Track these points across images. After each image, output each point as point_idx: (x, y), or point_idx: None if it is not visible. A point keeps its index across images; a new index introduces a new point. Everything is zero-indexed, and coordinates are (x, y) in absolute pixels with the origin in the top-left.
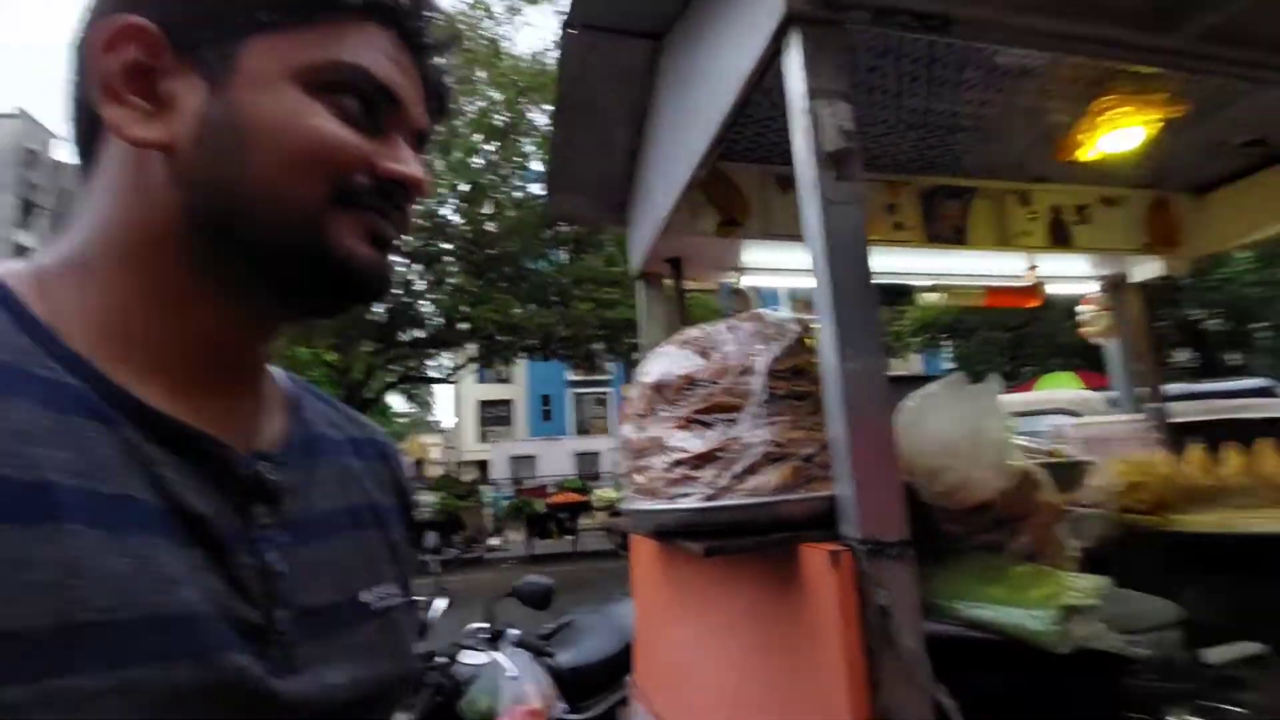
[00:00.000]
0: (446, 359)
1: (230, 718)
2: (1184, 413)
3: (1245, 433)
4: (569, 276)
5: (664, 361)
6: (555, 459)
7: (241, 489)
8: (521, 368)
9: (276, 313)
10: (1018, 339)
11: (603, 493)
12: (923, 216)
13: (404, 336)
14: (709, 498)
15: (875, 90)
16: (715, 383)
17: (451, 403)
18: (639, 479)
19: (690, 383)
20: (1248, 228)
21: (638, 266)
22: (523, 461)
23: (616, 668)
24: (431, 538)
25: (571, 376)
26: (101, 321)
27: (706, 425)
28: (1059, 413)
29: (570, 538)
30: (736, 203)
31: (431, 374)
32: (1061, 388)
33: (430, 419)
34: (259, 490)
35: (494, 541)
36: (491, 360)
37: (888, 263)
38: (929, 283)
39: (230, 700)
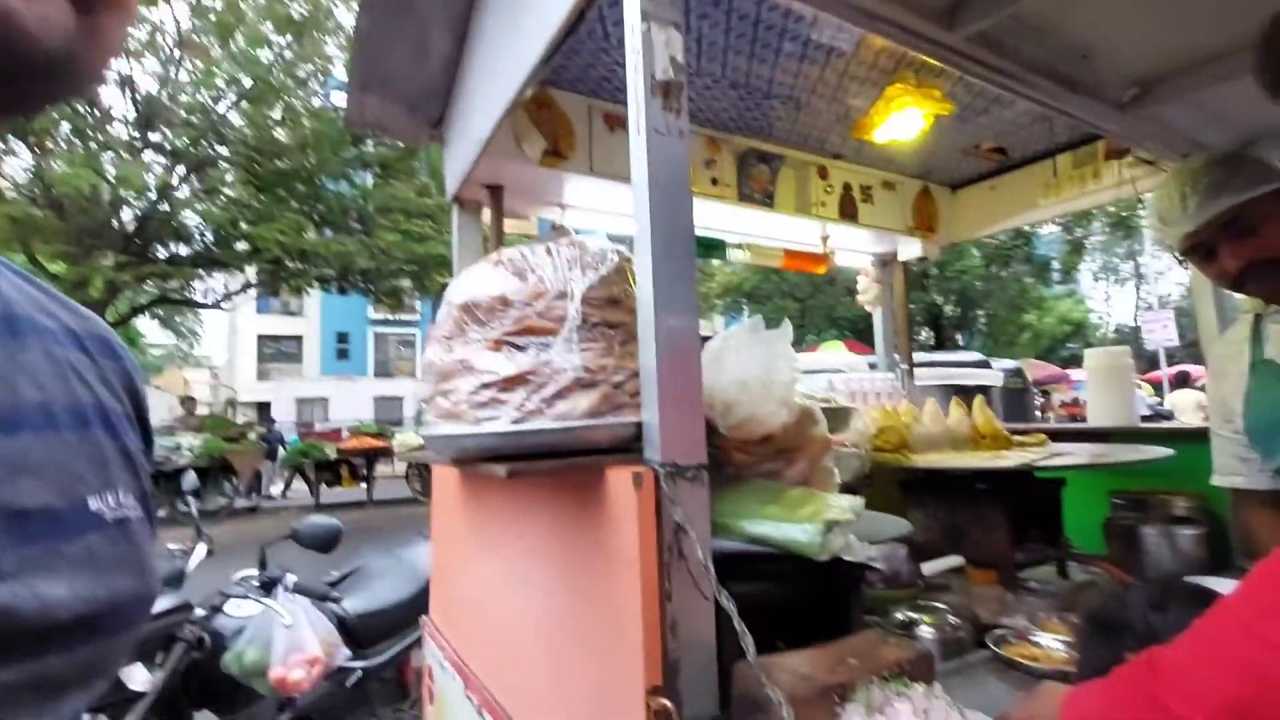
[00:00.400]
0: (219, 283)
1: None
2: (925, 377)
3: (966, 395)
4: (374, 203)
5: (476, 281)
6: (351, 402)
7: None
8: (314, 301)
9: None
10: (803, 309)
11: (405, 438)
12: (737, 175)
13: (161, 252)
14: (516, 421)
15: (705, 41)
16: (530, 305)
17: (225, 335)
18: (443, 403)
19: (504, 303)
20: (988, 222)
21: (454, 190)
22: (313, 404)
23: (411, 612)
24: (190, 479)
25: (374, 314)
26: None
27: (518, 348)
28: (833, 372)
29: (364, 485)
30: (563, 133)
31: (198, 299)
32: (834, 352)
33: (196, 353)
34: None
35: (274, 490)
36: (277, 289)
37: (702, 216)
38: (738, 240)
39: None
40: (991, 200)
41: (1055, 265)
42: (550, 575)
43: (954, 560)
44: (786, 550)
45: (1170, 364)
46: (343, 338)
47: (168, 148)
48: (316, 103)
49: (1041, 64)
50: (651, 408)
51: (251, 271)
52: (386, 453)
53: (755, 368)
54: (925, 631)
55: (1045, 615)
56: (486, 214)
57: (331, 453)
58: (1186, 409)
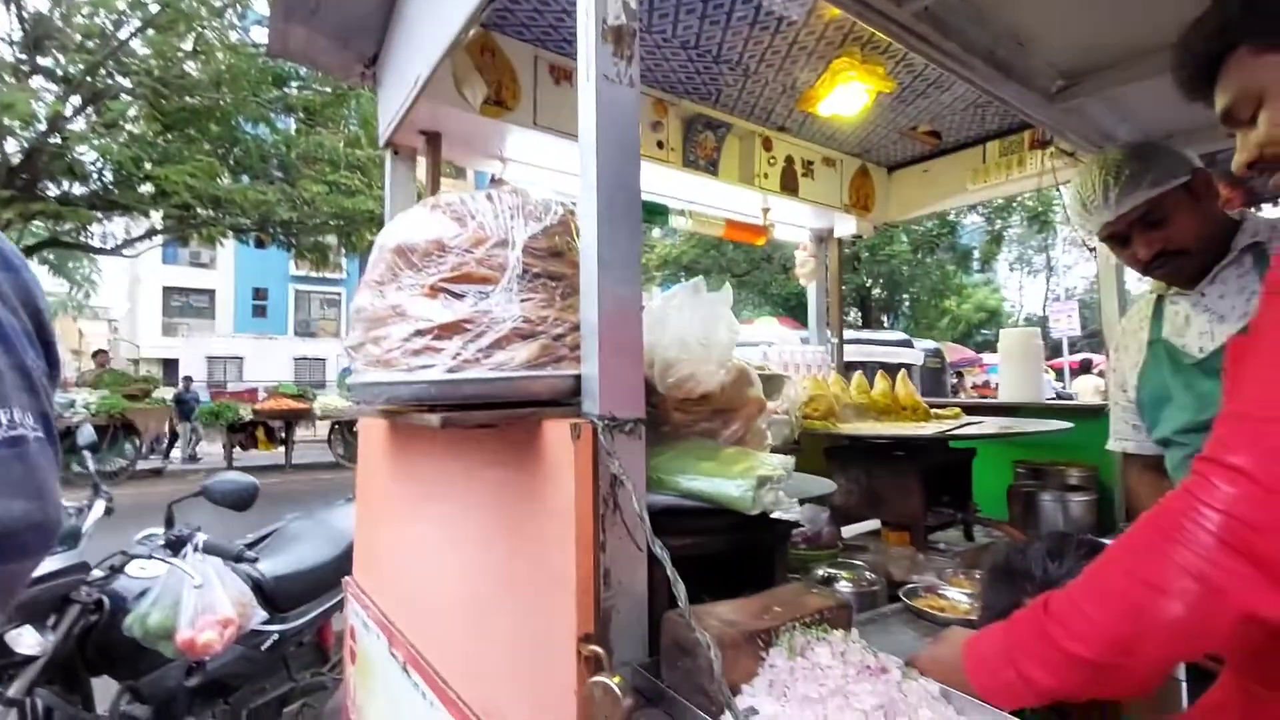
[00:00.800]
0: (120, 228)
1: None
2: (852, 353)
3: (890, 371)
4: (298, 150)
5: (412, 224)
6: (268, 362)
7: None
8: (229, 253)
9: None
10: (740, 284)
11: (328, 400)
12: (683, 140)
13: (52, 190)
14: (451, 370)
15: None
16: (469, 251)
17: (126, 285)
18: (374, 350)
19: (441, 248)
20: (920, 204)
21: (387, 135)
22: (225, 362)
23: (333, 575)
24: (86, 432)
25: (295, 271)
26: None
27: (455, 295)
28: (767, 344)
29: (282, 449)
30: (506, 82)
31: (94, 244)
32: (768, 327)
33: (93, 303)
34: None
35: (177, 452)
36: (187, 237)
37: (646, 180)
38: (681, 206)
39: None
40: (924, 182)
41: (976, 254)
42: (483, 528)
43: (871, 524)
44: (718, 504)
45: (1072, 352)
46: (260, 294)
47: (59, 74)
48: (234, 37)
49: (980, 47)
50: (591, 360)
51: (157, 217)
52: (307, 415)
53: (696, 328)
54: (843, 585)
55: (952, 572)
56: (422, 164)
57: (246, 414)
58: (1087, 393)
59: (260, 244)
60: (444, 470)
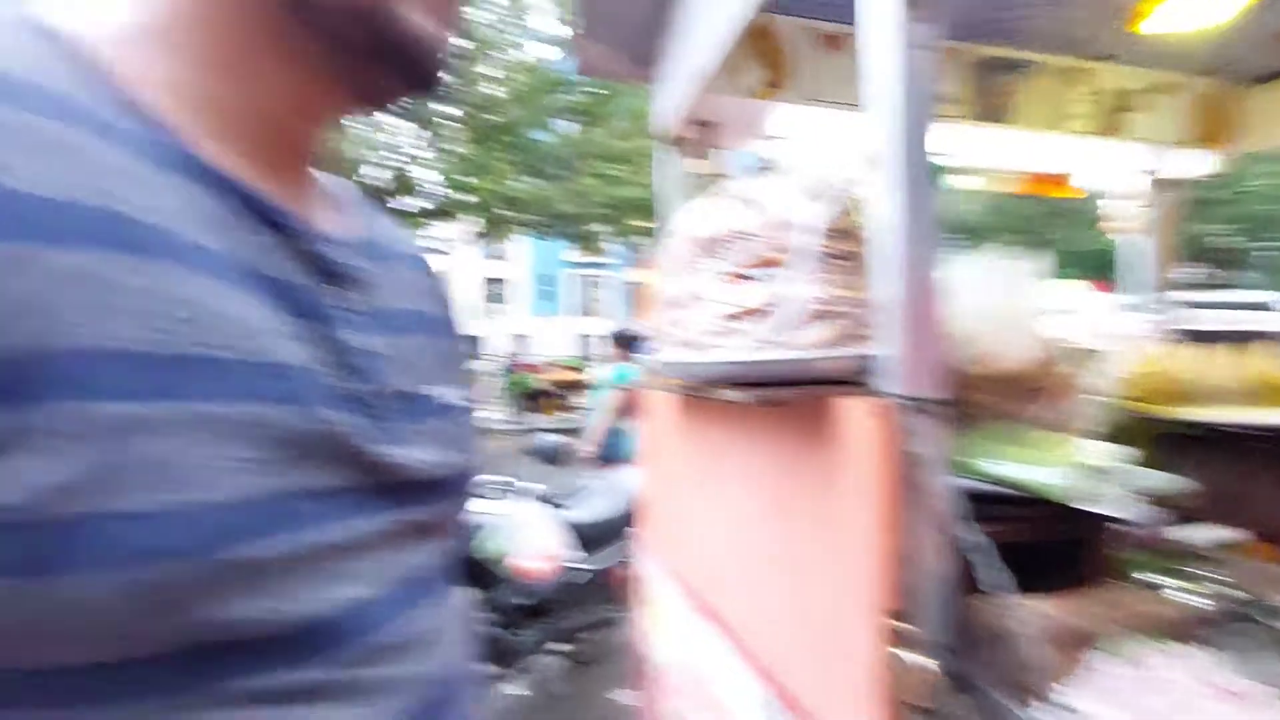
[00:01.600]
0: (439, 232)
1: (340, 470)
2: (1190, 320)
3: (1242, 341)
4: (575, 149)
5: (706, 214)
6: (550, 339)
7: (317, 268)
8: (519, 245)
9: (338, 89)
10: (1039, 243)
11: (599, 371)
12: (974, 90)
13: (395, 204)
14: (755, 350)
15: None
16: (764, 237)
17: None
18: (676, 332)
19: (736, 236)
20: None
21: (666, 128)
22: (518, 340)
23: (623, 525)
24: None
25: (569, 257)
26: (173, 85)
27: (754, 280)
28: (1074, 312)
29: (562, 414)
30: (780, 62)
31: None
32: (1078, 293)
33: None
34: (332, 272)
35: (483, 414)
36: (489, 235)
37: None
38: (966, 165)
39: (342, 453)
40: None
41: None
42: (773, 498)
43: (1225, 533)
44: (1029, 492)
45: None
46: (545, 280)
47: (400, 109)
48: (523, 57)
49: None
50: (891, 338)
51: (469, 220)
52: (580, 385)
53: (995, 299)
54: (1187, 597)
55: None
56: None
57: (535, 383)
58: None
59: (543, 236)
60: (732, 441)
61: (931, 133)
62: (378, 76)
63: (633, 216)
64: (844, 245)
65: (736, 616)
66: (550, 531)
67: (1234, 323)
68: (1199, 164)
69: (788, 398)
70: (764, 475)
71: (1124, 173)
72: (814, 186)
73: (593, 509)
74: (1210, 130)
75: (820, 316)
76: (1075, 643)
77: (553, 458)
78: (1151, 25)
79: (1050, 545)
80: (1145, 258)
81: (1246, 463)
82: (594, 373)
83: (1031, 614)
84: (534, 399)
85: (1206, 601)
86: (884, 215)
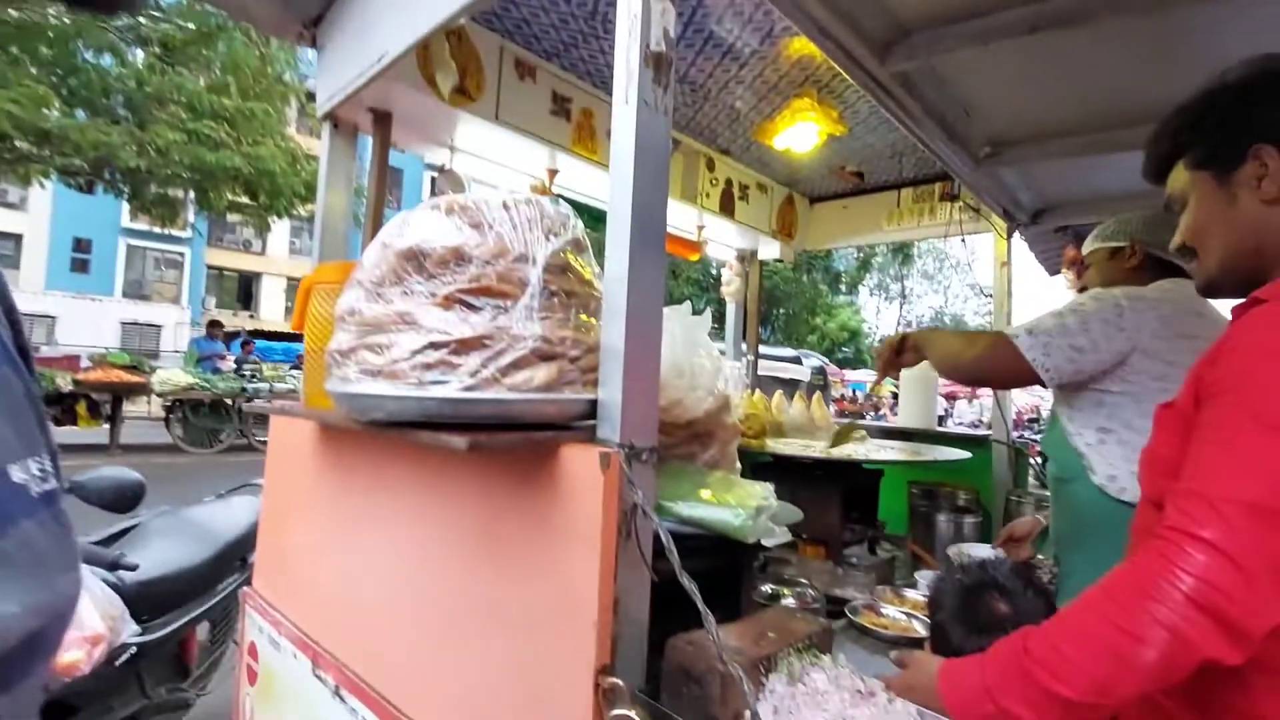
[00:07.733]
0: None
1: None
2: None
3: (785, 386)
4: (150, 89)
5: (424, 227)
6: (88, 325)
7: None
8: (46, 195)
9: None
10: (667, 302)
11: (169, 375)
12: None
13: None
14: (469, 388)
15: None
16: (489, 264)
17: None
18: (372, 358)
19: (460, 257)
20: (837, 236)
21: (328, 107)
22: (32, 321)
23: (203, 579)
24: None
25: (129, 223)
26: None
27: (473, 308)
28: None
29: (106, 426)
30: (472, 71)
31: None
32: None
33: None
34: None
35: None
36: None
37: (594, 186)
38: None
39: None
40: (844, 217)
41: (843, 277)
42: (465, 550)
43: (785, 536)
44: (716, 532)
45: None
46: (82, 245)
47: None
48: None
49: (936, 111)
50: (614, 386)
51: None
52: (141, 389)
53: (685, 352)
54: (790, 602)
55: (882, 590)
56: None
57: (66, 384)
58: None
59: (88, 189)
60: (406, 485)
61: (665, 196)
62: None
63: (230, 190)
64: (567, 284)
65: (400, 688)
66: (95, 603)
67: (776, 371)
68: (776, 250)
69: (504, 444)
70: (443, 524)
71: (731, 248)
72: (546, 218)
73: (156, 559)
74: (785, 226)
75: (543, 356)
76: (759, 670)
77: (122, 502)
78: (769, 138)
79: (717, 574)
80: (739, 317)
81: (800, 482)
82: (164, 375)
83: (725, 649)
84: (61, 404)
85: (798, 604)
86: (617, 264)
